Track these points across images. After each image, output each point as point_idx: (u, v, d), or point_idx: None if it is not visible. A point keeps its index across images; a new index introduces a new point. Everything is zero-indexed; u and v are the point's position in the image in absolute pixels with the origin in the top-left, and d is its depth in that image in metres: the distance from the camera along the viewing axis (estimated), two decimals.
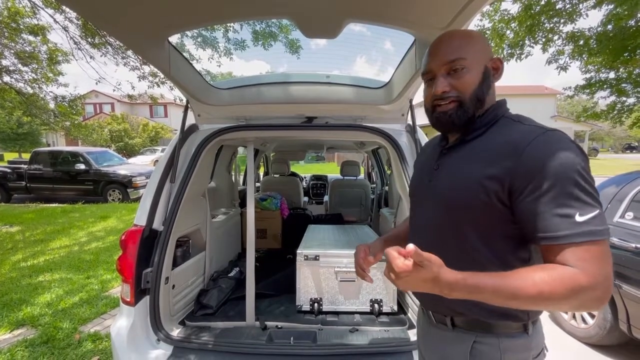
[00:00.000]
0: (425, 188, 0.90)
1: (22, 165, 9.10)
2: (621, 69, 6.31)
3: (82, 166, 8.76)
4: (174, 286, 1.91)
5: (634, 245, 2.20)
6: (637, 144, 38.68)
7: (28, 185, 8.95)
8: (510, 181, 0.70)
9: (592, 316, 2.53)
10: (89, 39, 6.37)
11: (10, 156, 18.73)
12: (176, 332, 1.76)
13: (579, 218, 0.63)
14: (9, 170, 9.02)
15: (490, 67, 0.82)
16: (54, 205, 8.30)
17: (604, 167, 19.23)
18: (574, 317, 2.71)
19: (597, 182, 2.88)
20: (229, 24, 5.52)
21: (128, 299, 1.59)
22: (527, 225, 0.70)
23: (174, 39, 1.45)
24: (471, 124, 0.82)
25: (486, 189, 0.73)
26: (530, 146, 0.69)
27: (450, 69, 0.79)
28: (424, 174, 0.93)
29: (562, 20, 6.04)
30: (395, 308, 2.05)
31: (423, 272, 0.65)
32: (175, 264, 1.96)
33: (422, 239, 0.86)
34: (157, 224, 1.72)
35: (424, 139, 1.87)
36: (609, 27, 5.78)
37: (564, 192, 0.64)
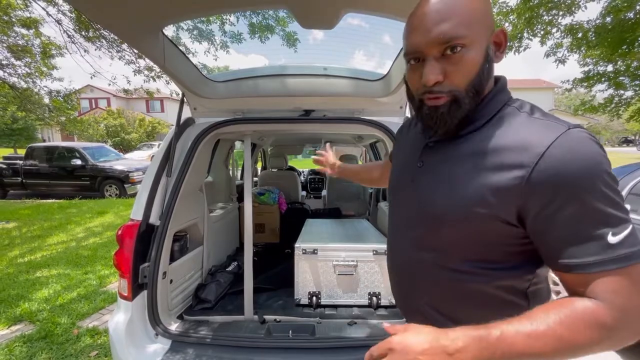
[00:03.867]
0: (408, 188, 0.73)
1: (18, 161, 9.02)
2: (619, 62, 6.31)
3: (78, 162, 8.69)
4: (171, 281, 1.91)
5: None
6: (633, 137, 38.87)
7: (24, 181, 8.87)
8: (523, 195, 0.55)
9: None
10: (83, 32, 6.28)
11: (5, 152, 18.57)
12: (174, 327, 1.76)
13: (612, 239, 0.50)
14: (4, 166, 8.94)
15: (492, 43, 0.63)
16: (50, 201, 8.25)
17: None
18: None
19: None
20: (225, 17, 5.45)
21: (125, 294, 1.58)
22: (544, 249, 0.56)
23: (170, 32, 1.43)
24: (473, 116, 0.64)
25: (488, 204, 0.57)
26: (550, 150, 0.53)
27: (445, 49, 0.58)
28: (406, 171, 0.76)
29: (560, 13, 6.02)
30: (394, 301, 2.05)
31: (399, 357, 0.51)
32: (172, 258, 1.95)
33: (402, 250, 0.75)
34: (154, 219, 1.71)
35: None
36: (608, 19, 5.76)
37: (592, 208, 0.51)
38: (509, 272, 0.62)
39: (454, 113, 0.61)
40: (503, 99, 0.64)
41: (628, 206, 2.34)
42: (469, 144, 0.63)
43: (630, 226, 0.52)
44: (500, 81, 0.66)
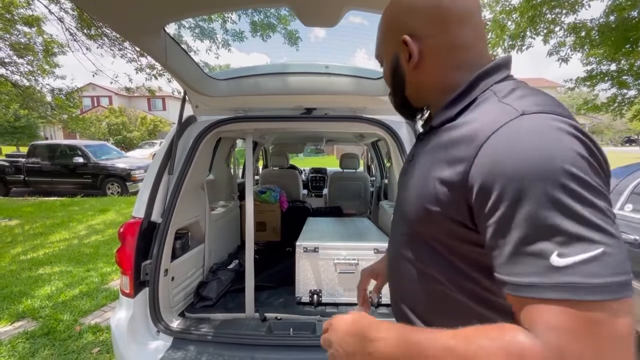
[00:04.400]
0: (401, 182, 0.71)
1: (20, 159, 9.06)
2: (622, 61, 6.27)
3: (80, 159, 8.72)
4: (173, 278, 1.92)
5: (633, 237, 2.20)
6: (636, 137, 38.63)
7: (26, 178, 8.91)
8: (466, 192, 0.48)
9: None
10: (85, 30, 6.29)
11: (7, 150, 18.64)
12: (176, 324, 1.76)
13: (556, 260, 0.38)
14: (7, 164, 8.98)
15: (402, 53, 0.62)
16: (52, 198, 8.28)
17: None
18: None
19: None
20: (226, 15, 5.45)
21: (127, 291, 1.59)
22: (491, 257, 0.46)
23: (171, 30, 1.43)
24: (445, 104, 0.59)
25: (439, 202, 0.52)
26: (490, 140, 0.45)
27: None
28: (403, 166, 0.74)
29: (564, 11, 5.98)
30: None
31: (338, 339, 0.53)
32: (174, 256, 1.96)
33: (392, 256, 0.72)
34: (156, 216, 1.72)
35: None
36: (612, 18, 5.73)
37: (537, 217, 0.40)
38: (476, 282, 0.53)
39: (404, 110, 0.71)
40: (484, 85, 0.55)
41: (625, 197, 2.34)
42: (436, 136, 0.59)
43: (596, 249, 0.38)
44: (488, 68, 0.57)
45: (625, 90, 6.80)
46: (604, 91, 7.31)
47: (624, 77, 6.48)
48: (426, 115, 0.72)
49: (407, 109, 0.69)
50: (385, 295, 2.05)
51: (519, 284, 0.41)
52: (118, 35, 6.11)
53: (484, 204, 0.45)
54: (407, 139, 1.89)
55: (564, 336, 0.37)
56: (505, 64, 0.58)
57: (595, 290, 0.37)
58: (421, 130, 0.69)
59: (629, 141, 39.08)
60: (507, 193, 0.42)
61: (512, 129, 0.44)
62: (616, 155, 22.22)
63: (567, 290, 0.38)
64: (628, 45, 5.69)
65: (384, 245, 2.05)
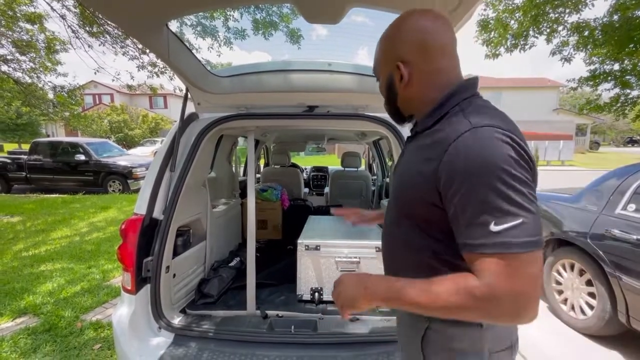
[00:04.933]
0: (393, 174, 0.93)
1: (22, 156, 9.07)
2: (626, 61, 6.23)
3: (82, 157, 8.73)
4: (174, 275, 1.92)
5: (635, 237, 2.19)
6: (639, 137, 38.49)
7: (28, 175, 8.93)
8: (436, 180, 0.67)
9: (591, 307, 2.55)
10: (87, 28, 6.28)
11: (9, 147, 18.69)
12: (177, 321, 1.77)
13: (493, 227, 0.59)
14: (8, 161, 9.00)
15: (396, 74, 0.79)
16: (54, 195, 8.30)
17: (606, 161, 19.20)
18: (572, 308, 2.72)
19: (598, 175, 2.86)
20: (228, 12, 5.44)
21: (129, 288, 1.59)
22: (453, 229, 0.67)
23: (173, 28, 1.42)
24: (425, 115, 0.78)
25: (418, 185, 0.72)
26: (452, 146, 0.64)
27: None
28: (396, 161, 0.98)
29: (567, 10, 5.95)
30: None
31: (345, 288, 0.75)
32: (175, 253, 1.96)
33: (384, 234, 0.91)
34: (157, 213, 1.72)
35: None
36: (615, 17, 5.69)
37: (481, 199, 0.60)
38: (448, 247, 0.71)
39: (395, 117, 0.89)
40: (454, 101, 0.73)
41: (627, 198, 2.33)
42: (419, 140, 0.79)
43: (519, 219, 0.58)
44: (457, 87, 0.75)
45: (628, 90, 6.75)
46: (607, 91, 7.28)
47: (627, 77, 6.43)
48: (413, 121, 0.89)
49: (398, 116, 0.88)
50: None
51: (472, 244, 0.62)
52: (120, 32, 6.11)
53: (447, 190, 0.64)
54: None
55: (496, 277, 0.58)
56: (472, 84, 0.76)
57: (515, 246, 0.57)
58: (409, 134, 0.89)
59: (632, 141, 38.95)
60: (462, 184, 0.62)
61: (466, 138, 0.63)
62: (618, 156, 22.21)
63: (499, 247, 0.58)
64: (632, 45, 5.66)
65: None
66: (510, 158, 0.60)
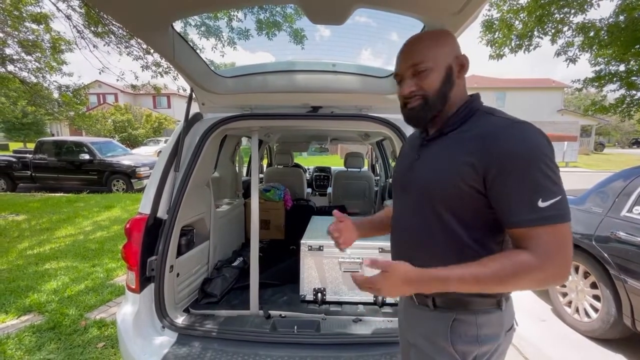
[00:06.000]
0: (408, 177, 0.95)
1: (27, 155, 9.14)
2: (632, 62, 6.18)
3: (86, 156, 8.79)
4: (178, 274, 1.93)
5: None
6: None
7: (33, 174, 9.00)
8: (484, 169, 0.75)
9: (596, 310, 2.53)
10: (92, 28, 6.32)
11: (15, 146, 18.86)
12: (180, 320, 1.77)
13: (541, 204, 0.69)
14: (14, 160, 9.07)
15: (455, 65, 0.87)
16: (59, 194, 8.36)
17: (610, 162, 19.03)
18: (577, 311, 2.70)
19: (603, 177, 2.83)
20: (232, 13, 5.45)
21: (133, 286, 1.60)
22: (498, 211, 0.76)
23: (177, 28, 1.43)
24: (449, 119, 0.87)
25: (462, 175, 0.78)
26: (501, 136, 0.74)
27: (416, 71, 0.86)
28: (406, 164, 0.98)
29: (572, 11, 5.91)
30: (398, 298, 2.05)
31: (391, 278, 0.76)
32: (179, 252, 1.97)
33: (406, 228, 0.94)
34: (162, 213, 1.73)
35: None
36: (621, 17, 5.64)
37: (530, 179, 0.70)
38: (481, 232, 0.81)
39: (427, 110, 0.87)
40: (475, 106, 0.86)
41: (633, 200, 2.30)
42: (450, 137, 0.86)
43: (560, 196, 0.69)
44: (474, 95, 0.90)
45: (634, 92, 6.70)
46: (612, 92, 7.22)
47: (633, 78, 6.38)
48: (422, 130, 0.97)
49: (430, 113, 0.88)
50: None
51: (524, 219, 0.70)
52: (125, 33, 6.15)
53: (497, 173, 0.73)
54: None
55: (549, 245, 0.69)
56: (478, 96, 0.90)
57: (560, 217, 0.69)
58: (418, 138, 0.97)
59: (637, 143, 38.60)
60: (513, 168, 0.72)
61: (511, 131, 0.75)
62: (624, 158, 21.99)
63: (548, 219, 0.69)
64: (638, 46, 5.61)
65: (388, 244, 2.04)
66: (549, 147, 0.72)
